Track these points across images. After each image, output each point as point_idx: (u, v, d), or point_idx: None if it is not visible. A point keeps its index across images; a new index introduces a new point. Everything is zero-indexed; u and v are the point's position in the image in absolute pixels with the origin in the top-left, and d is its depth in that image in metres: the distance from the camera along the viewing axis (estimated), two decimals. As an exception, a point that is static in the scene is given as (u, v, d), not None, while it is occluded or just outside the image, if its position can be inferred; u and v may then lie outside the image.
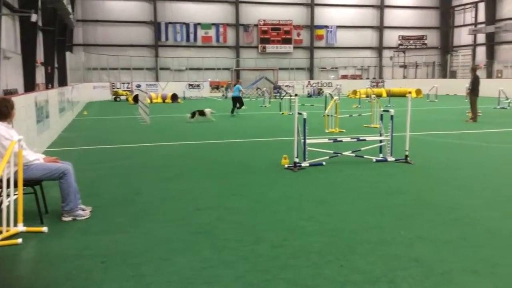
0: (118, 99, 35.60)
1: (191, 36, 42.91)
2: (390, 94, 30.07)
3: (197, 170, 8.46)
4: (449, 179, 7.61)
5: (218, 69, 43.06)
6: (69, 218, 5.45)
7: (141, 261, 4.22)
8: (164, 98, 32.71)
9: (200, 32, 43.18)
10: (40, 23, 23.10)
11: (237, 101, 21.10)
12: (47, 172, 5.42)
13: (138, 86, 38.21)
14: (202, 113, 17.78)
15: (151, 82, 40.72)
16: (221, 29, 43.55)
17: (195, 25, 42.86)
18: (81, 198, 5.72)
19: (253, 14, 43.96)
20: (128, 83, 39.49)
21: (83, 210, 5.63)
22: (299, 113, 8.34)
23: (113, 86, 38.79)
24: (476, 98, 16.68)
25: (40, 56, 25.30)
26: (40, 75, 25.51)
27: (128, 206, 6.08)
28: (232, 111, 20.82)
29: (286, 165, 8.36)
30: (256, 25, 44.14)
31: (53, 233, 5.01)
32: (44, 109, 11.59)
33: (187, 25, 42.71)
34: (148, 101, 23.45)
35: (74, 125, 17.39)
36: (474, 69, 17.43)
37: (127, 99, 33.92)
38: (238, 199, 6.40)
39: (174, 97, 32.89)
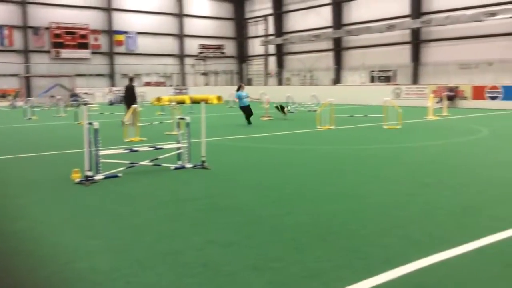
0: None
1: (-32, 37, 37.44)
2: (193, 101, 30.88)
3: (-31, 193, 7.31)
4: (241, 181, 8.07)
5: (4, 75, 38.43)
6: None
7: None
8: None
9: (-20, 34, 37.98)
10: None
11: (246, 111, 17.92)
12: None
13: None
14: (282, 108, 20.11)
15: None
16: (5, 32, 38.97)
17: (-27, 25, 37.53)
18: None
19: (43, 16, 40.41)
20: None
21: None
22: (89, 123, 7.88)
23: None
24: None
25: None
26: None
27: None
28: (249, 121, 17.88)
29: (77, 180, 7.79)
30: (47, 28, 40.72)
31: None
32: None
33: (-38, 24, 37.13)
34: None
35: None
36: None
37: None
38: (17, 221, 5.70)
39: None
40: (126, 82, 18.83)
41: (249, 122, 17.79)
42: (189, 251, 4.64)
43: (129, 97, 17.33)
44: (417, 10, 33.76)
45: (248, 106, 17.79)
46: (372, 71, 37.40)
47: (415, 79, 34.28)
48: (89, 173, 7.70)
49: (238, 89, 18.23)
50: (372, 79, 37.37)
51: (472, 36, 30.87)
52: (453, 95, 28.15)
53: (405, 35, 34.96)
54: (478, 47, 30.59)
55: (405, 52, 35.01)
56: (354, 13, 39.19)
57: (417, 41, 34.46)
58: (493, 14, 28.57)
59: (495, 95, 27.19)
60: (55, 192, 7.28)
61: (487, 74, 29.49)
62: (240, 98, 17.81)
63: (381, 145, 12.44)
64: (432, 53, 33.79)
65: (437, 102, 24.03)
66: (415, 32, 34.26)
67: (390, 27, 34.46)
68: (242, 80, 49.14)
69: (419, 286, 3.80)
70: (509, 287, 3.82)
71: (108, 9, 43.57)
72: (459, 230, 5.20)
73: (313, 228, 5.31)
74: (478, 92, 27.89)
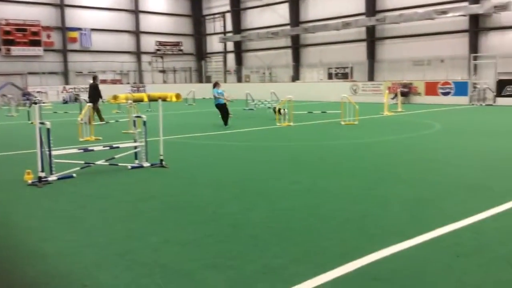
0: None
1: None
2: (151, 99, 30.41)
3: None
4: (200, 179, 8.01)
5: (-49, 74, 36.64)
6: None
7: None
8: None
9: None
10: None
11: (222, 110, 16.59)
12: None
13: None
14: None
15: None
16: (-49, 27, 37.13)
17: None
18: None
19: (-8, 11, 38.77)
20: None
21: None
22: (41, 123, 7.63)
23: None
24: None
25: None
26: None
27: None
28: (226, 122, 16.53)
29: (29, 181, 7.53)
30: (-3, 25, 39.05)
31: None
32: None
33: None
34: None
35: None
36: None
37: None
38: (-35, 227, 5.46)
39: None
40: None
41: (225, 123, 16.49)
42: (146, 251, 4.57)
43: (94, 96, 17.40)
44: (372, 8, 34.47)
45: (224, 104, 16.65)
46: (330, 68, 37.91)
47: (371, 76, 35.02)
48: (42, 174, 7.46)
49: (214, 86, 16.96)
50: (330, 76, 37.92)
51: (425, 34, 31.80)
52: (407, 91, 28.97)
53: (361, 32, 35.64)
54: (430, 44, 31.55)
55: (361, 49, 35.69)
56: (310, 10, 39.59)
57: (372, 39, 35.19)
58: (444, 12, 29.55)
59: (447, 90, 28.18)
60: (7, 194, 7.02)
61: (439, 71, 30.47)
62: (216, 95, 16.59)
63: (339, 141, 12.65)
64: (387, 50, 34.60)
65: (392, 98, 24.67)
66: (370, 30, 34.98)
67: (346, 25, 35.04)
68: (202, 77, 48.84)
69: (375, 278, 3.89)
70: (460, 276, 3.97)
71: (60, 5, 42.20)
72: (413, 223, 5.36)
73: (271, 225, 5.34)
74: (431, 88, 28.81)
